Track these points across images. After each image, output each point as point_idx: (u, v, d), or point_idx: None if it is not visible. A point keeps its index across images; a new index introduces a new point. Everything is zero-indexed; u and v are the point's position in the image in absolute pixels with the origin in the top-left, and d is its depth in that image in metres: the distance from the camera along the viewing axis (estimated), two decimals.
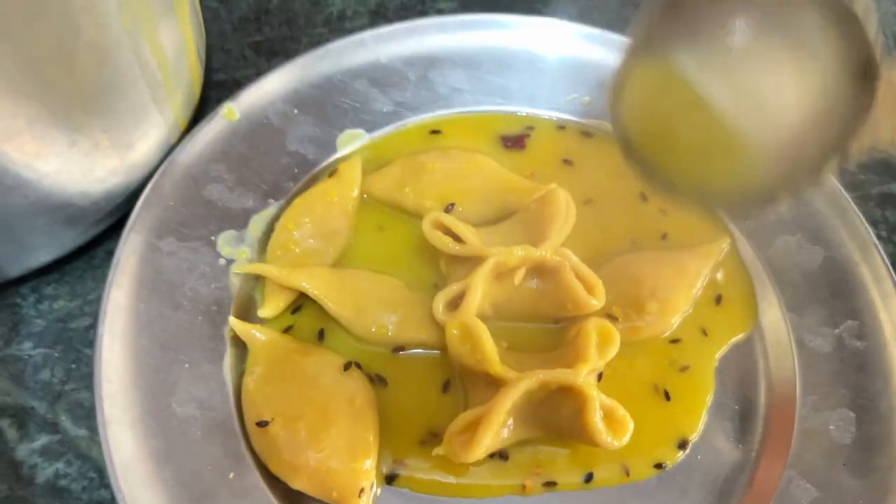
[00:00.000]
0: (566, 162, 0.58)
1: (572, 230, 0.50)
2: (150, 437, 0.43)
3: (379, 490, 0.45)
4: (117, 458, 0.42)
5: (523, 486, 0.46)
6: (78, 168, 0.45)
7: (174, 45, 0.48)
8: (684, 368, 0.50)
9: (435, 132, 0.58)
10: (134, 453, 0.42)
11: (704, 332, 0.51)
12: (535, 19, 0.61)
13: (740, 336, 0.52)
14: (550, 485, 0.46)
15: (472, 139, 0.58)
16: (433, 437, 0.47)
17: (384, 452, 0.46)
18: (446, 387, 0.48)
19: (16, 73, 0.37)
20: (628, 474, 0.47)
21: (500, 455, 0.46)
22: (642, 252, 0.53)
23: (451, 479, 0.46)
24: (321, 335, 0.50)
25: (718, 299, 0.52)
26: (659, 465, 0.47)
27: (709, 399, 0.49)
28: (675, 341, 0.51)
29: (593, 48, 0.61)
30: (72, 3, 0.37)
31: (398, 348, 0.49)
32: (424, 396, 0.48)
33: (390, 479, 0.46)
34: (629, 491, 0.47)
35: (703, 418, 0.49)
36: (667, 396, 0.49)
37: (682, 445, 0.48)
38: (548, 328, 0.51)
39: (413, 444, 0.47)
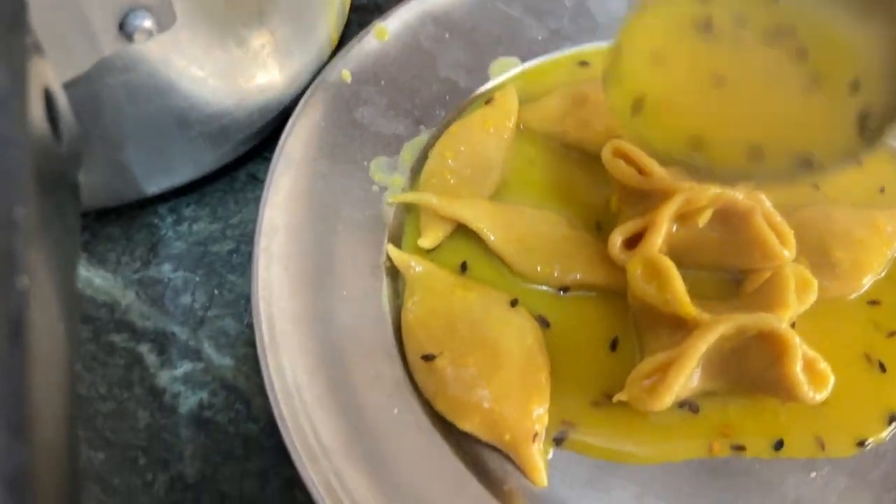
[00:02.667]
0: None
1: None
2: (312, 367, 0.40)
3: (550, 452, 0.41)
4: (279, 386, 0.38)
5: (710, 448, 0.42)
6: (241, 72, 0.41)
7: None
8: (892, 334, 0.45)
9: (583, 63, 0.54)
10: (294, 383, 0.39)
11: None
12: None
13: None
14: (739, 449, 0.42)
15: None
16: (606, 397, 0.42)
17: (551, 410, 0.41)
18: (615, 345, 0.44)
19: None
20: (823, 448, 0.42)
21: (690, 406, 0.42)
22: (833, 206, 0.48)
23: (629, 445, 0.41)
24: (463, 269, 0.46)
25: None
26: (862, 443, 0.42)
27: None
28: (873, 303, 0.46)
29: None
30: None
31: (563, 288, 0.45)
32: (592, 344, 0.44)
33: (558, 442, 0.41)
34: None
35: None
36: (882, 368, 0.44)
37: (893, 420, 0.43)
38: (725, 279, 0.46)
39: (584, 404, 0.42)
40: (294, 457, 0.37)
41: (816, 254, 0.46)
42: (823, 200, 0.49)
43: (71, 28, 0.30)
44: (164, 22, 0.33)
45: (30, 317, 0.18)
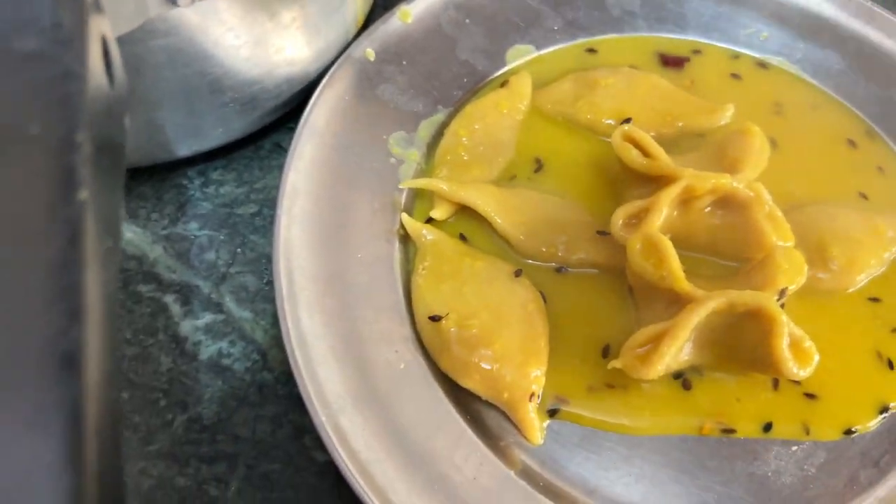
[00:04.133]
0: (734, 76, 0.56)
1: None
2: (326, 321, 0.42)
3: (545, 423, 0.43)
4: (294, 335, 0.41)
5: (701, 428, 0.44)
6: (272, 43, 0.44)
7: None
8: (895, 329, 0.47)
9: (591, 51, 0.56)
10: (309, 336, 0.42)
11: None
12: None
13: None
14: (729, 431, 0.44)
15: (627, 58, 0.56)
16: (602, 382, 0.44)
17: (546, 384, 0.43)
18: (606, 352, 0.45)
19: None
20: (808, 433, 0.44)
21: (683, 382, 0.44)
22: (838, 207, 0.50)
23: (623, 418, 0.43)
24: (462, 239, 0.48)
25: None
26: (849, 431, 0.44)
27: None
28: (874, 300, 0.48)
29: None
30: None
31: (564, 267, 0.48)
32: (588, 325, 0.46)
33: (552, 413, 0.43)
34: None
35: None
36: (890, 365, 0.46)
37: (883, 411, 0.44)
38: (720, 263, 0.48)
39: (580, 387, 0.44)
40: (306, 401, 0.39)
41: (813, 248, 0.48)
42: (826, 199, 0.51)
43: None
44: None
45: (86, 225, 0.21)
